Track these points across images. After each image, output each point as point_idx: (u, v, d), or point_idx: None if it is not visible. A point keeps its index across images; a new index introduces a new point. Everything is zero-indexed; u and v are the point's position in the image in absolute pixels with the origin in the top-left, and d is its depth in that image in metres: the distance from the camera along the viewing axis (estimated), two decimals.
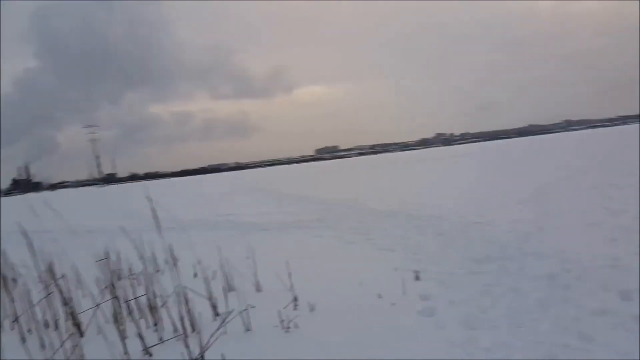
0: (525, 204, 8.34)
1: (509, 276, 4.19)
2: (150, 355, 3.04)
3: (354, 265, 5.27)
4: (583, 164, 15.80)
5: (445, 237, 6.25)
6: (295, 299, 3.79)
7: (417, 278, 4.31)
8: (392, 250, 5.80)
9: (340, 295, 4.07)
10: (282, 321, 3.35)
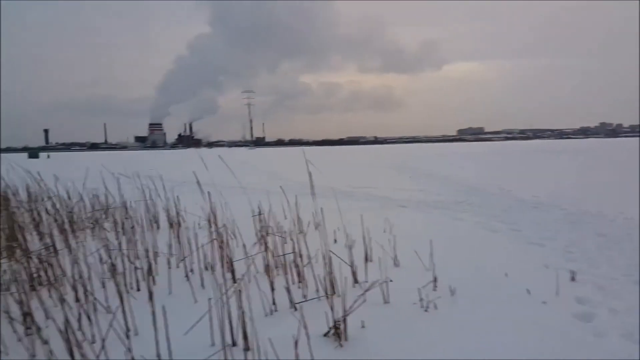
0: None
1: None
2: (295, 309, 3.24)
3: (498, 254, 5.00)
4: None
5: (606, 238, 5.61)
6: (435, 280, 3.73)
7: (573, 279, 3.94)
8: (541, 245, 5.37)
9: (483, 283, 3.90)
10: (420, 299, 3.33)
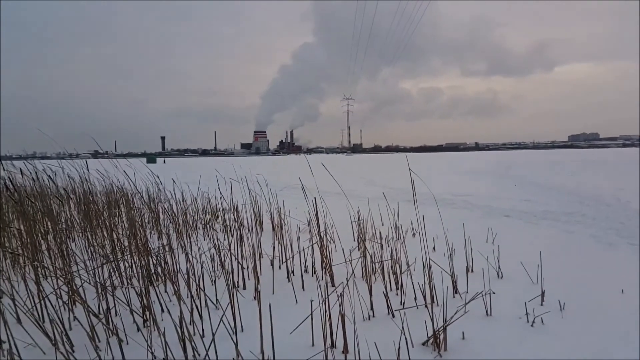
0: None
1: None
2: (393, 316, 3.25)
3: (614, 270, 4.60)
4: None
5: None
6: (543, 294, 3.53)
7: None
8: None
9: (595, 299, 3.62)
10: (527, 314, 3.18)
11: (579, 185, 13.90)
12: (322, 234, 4.11)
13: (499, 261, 4.28)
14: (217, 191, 6.72)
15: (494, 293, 3.59)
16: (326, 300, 2.64)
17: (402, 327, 2.47)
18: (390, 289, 3.80)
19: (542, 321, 3.14)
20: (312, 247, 4.38)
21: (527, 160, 39.96)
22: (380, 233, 5.10)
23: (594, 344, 2.88)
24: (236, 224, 5.78)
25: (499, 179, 18.33)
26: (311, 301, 2.81)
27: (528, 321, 3.14)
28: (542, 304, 3.46)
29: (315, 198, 4.12)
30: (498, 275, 4.19)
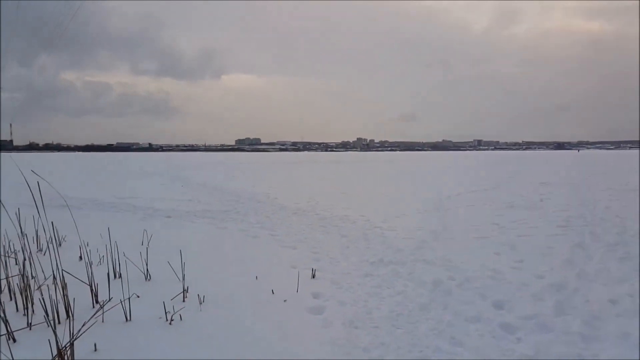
0: (426, 213, 8.76)
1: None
2: (14, 341, 2.80)
3: (253, 260, 5.21)
4: (485, 181, 16.91)
5: (347, 239, 6.39)
6: (185, 291, 3.68)
7: (313, 276, 4.36)
8: (293, 247, 5.83)
9: (234, 289, 4.00)
10: (166, 313, 3.23)
11: (238, 185, 15.41)
12: None
13: (147, 264, 4.25)
14: None
15: (137, 297, 3.53)
16: None
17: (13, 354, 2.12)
18: (17, 310, 3.27)
19: (181, 317, 3.25)
20: None
21: (199, 162, 42.00)
22: (12, 245, 4.38)
23: (228, 329, 3.15)
24: None
25: (167, 180, 18.58)
26: None
27: (167, 319, 3.19)
28: (184, 301, 3.59)
29: None
30: (146, 278, 4.15)
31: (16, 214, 3.87)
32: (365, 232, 6.88)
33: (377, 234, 6.73)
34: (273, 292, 3.86)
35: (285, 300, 3.70)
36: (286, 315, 3.43)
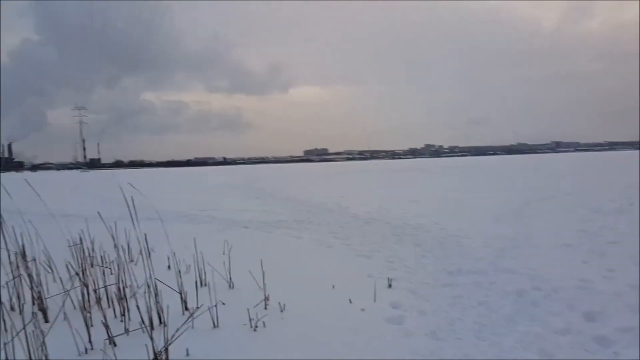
0: (504, 221, 8.43)
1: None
2: (115, 345, 3.02)
3: (328, 268, 5.27)
4: (567, 185, 16.01)
5: (422, 248, 6.29)
6: (266, 298, 3.79)
7: (390, 286, 4.34)
8: (368, 257, 5.82)
9: (311, 297, 4.07)
10: (250, 320, 3.35)
11: (309, 195, 15.64)
12: (29, 264, 3.56)
13: (230, 272, 4.43)
14: None
15: (223, 304, 3.68)
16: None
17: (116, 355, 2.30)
18: (115, 316, 3.52)
19: (264, 324, 3.36)
20: (21, 279, 3.75)
21: (270, 174, 43.12)
22: (108, 256, 4.71)
23: (309, 336, 3.22)
24: None
25: (243, 192, 19.23)
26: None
27: (251, 326, 3.31)
28: (265, 308, 3.70)
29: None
30: (229, 286, 4.33)
31: (112, 226, 4.18)
32: (441, 240, 6.74)
33: (454, 242, 6.57)
34: (350, 301, 3.89)
35: (363, 309, 3.71)
36: (365, 324, 3.44)
